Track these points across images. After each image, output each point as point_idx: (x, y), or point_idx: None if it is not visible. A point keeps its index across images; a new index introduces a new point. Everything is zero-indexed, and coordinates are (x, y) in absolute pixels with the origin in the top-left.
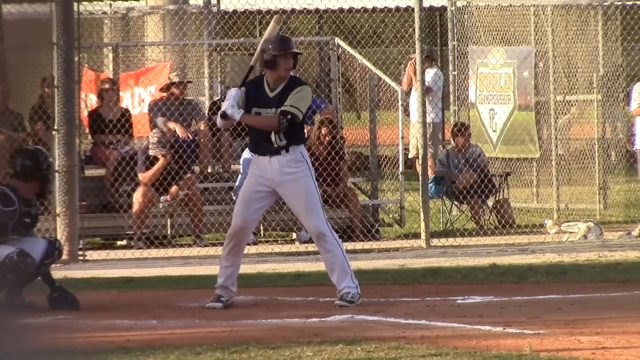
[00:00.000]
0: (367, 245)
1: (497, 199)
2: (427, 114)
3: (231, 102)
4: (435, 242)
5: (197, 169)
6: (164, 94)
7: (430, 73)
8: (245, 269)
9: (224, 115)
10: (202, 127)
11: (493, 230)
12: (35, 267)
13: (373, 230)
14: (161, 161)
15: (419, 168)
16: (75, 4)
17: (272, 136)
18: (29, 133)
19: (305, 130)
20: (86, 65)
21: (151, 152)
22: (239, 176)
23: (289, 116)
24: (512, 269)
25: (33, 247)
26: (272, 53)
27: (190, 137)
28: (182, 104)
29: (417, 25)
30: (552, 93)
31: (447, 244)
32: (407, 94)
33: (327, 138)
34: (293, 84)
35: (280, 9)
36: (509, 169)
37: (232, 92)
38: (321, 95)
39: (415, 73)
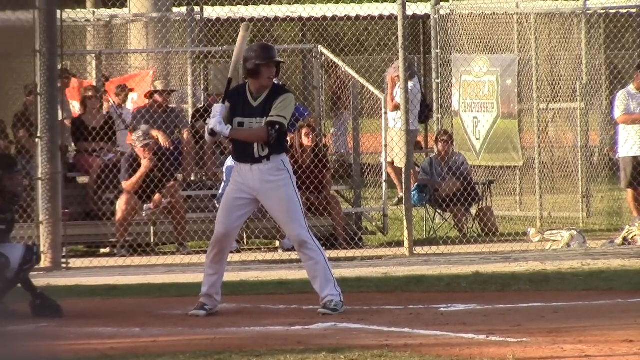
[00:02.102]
0: (350, 253)
1: (480, 207)
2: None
3: (218, 119)
4: (418, 250)
5: (180, 176)
6: (147, 102)
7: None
8: (229, 276)
9: (212, 133)
10: (185, 135)
11: (476, 238)
12: (11, 268)
13: (356, 239)
14: (144, 166)
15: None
16: (59, 12)
17: (255, 147)
18: (11, 141)
19: (288, 139)
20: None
21: (139, 145)
22: (222, 184)
23: (277, 127)
24: (495, 277)
25: (11, 254)
26: (255, 62)
27: (172, 147)
28: (165, 112)
29: (400, 33)
30: (536, 101)
31: (430, 252)
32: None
33: (309, 145)
34: (276, 92)
35: (264, 16)
36: (492, 177)
37: (217, 108)
38: (304, 103)
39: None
